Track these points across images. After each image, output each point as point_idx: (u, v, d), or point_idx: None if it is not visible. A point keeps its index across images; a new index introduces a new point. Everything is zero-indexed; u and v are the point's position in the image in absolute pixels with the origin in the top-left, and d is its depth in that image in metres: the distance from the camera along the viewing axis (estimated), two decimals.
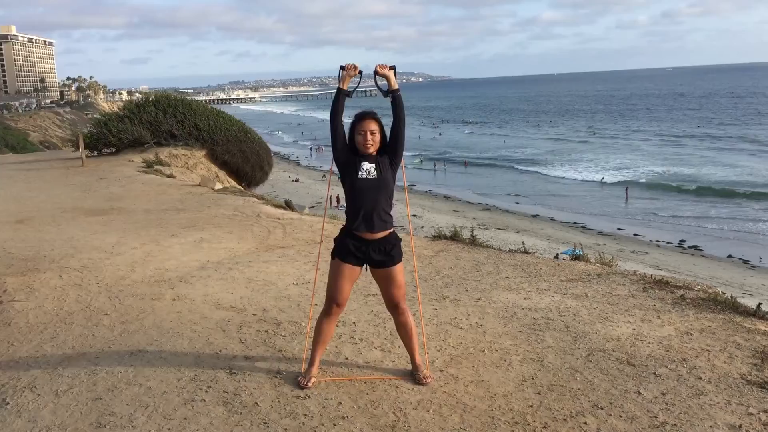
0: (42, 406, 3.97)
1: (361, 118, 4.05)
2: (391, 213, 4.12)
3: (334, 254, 4.11)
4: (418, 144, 69.74)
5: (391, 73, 4.09)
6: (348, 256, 4.05)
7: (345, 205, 4.22)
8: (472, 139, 76.41)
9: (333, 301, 4.06)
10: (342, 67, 4.12)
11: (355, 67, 4.10)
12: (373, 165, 4.00)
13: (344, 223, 4.18)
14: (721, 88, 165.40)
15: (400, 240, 4.16)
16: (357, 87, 4.25)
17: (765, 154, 53.41)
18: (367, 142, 3.99)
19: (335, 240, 4.16)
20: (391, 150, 4.08)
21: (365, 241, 4.03)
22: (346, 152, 4.07)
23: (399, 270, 4.10)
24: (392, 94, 4.07)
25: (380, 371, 4.34)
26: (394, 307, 4.14)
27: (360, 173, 3.98)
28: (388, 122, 4.09)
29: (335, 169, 4.15)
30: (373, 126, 4.02)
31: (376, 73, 4.11)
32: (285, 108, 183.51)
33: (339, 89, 4.10)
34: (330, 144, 4.16)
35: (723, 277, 21.93)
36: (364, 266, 4.14)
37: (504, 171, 51.15)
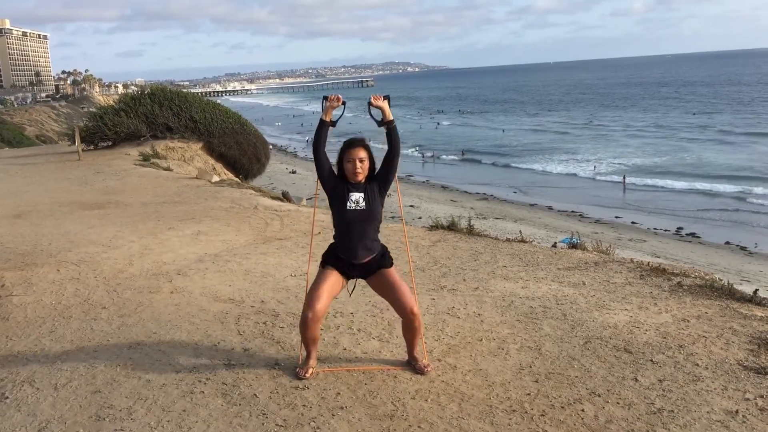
0: (41, 399, 3.98)
1: (350, 145, 4.02)
2: (378, 239, 4.15)
3: (322, 264, 4.14)
4: (418, 135, 69.67)
5: (385, 104, 4.05)
6: (335, 266, 4.08)
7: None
8: (469, 130, 76.26)
9: (308, 308, 3.95)
10: (325, 98, 4.10)
11: (338, 98, 4.08)
12: (362, 195, 3.99)
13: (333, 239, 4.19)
14: (719, 74, 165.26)
15: (386, 248, 4.18)
16: (340, 117, 4.21)
17: (763, 139, 53.38)
18: (356, 170, 3.98)
19: (324, 255, 4.17)
20: (382, 179, 4.07)
21: (351, 264, 4.08)
22: (334, 180, 4.06)
23: (393, 271, 4.12)
24: (387, 126, 4.05)
25: (378, 361, 4.35)
26: (409, 312, 4.03)
27: (348, 204, 3.97)
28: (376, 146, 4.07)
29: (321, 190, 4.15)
30: (362, 154, 4.00)
31: (370, 104, 4.07)
32: (281, 100, 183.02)
33: (322, 120, 4.07)
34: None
35: (720, 263, 21.96)
36: (353, 284, 4.21)
37: (501, 164, 51.04)
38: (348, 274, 4.11)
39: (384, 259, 4.13)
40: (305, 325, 3.99)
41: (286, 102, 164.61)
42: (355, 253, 4.04)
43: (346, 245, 4.05)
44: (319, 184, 4.14)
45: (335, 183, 4.05)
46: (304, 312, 3.99)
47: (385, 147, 4.07)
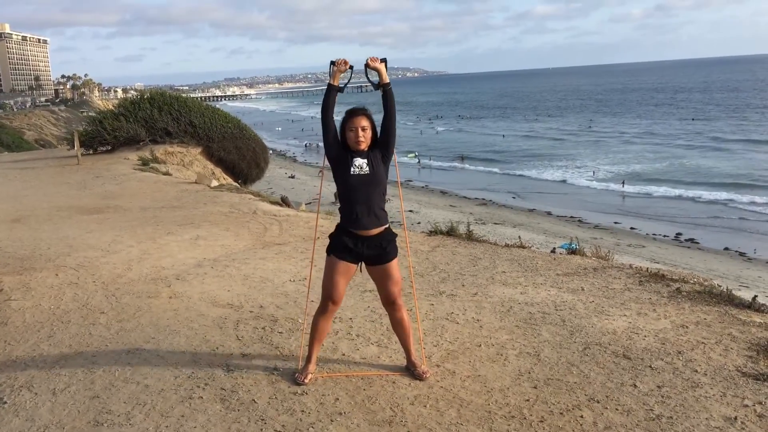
0: (39, 404, 3.97)
1: (351, 114, 4.04)
2: (385, 209, 4.11)
3: (329, 251, 4.10)
4: (418, 140, 69.73)
5: (382, 66, 4.06)
6: (343, 253, 4.03)
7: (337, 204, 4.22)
8: (468, 135, 76.33)
9: (328, 299, 4.03)
10: (332, 63, 4.09)
11: (346, 62, 4.08)
12: (365, 160, 3.98)
13: (339, 219, 4.18)
14: (716, 80, 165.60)
15: (396, 236, 4.15)
16: (348, 82, 4.22)
17: (762, 146, 53.42)
18: (359, 138, 3.98)
19: (330, 236, 4.14)
20: (382, 144, 4.06)
21: (360, 237, 4.01)
22: (337, 148, 4.05)
23: (394, 265, 4.09)
24: (383, 88, 4.05)
25: (377, 367, 4.35)
26: (390, 303, 4.12)
27: (352, 169, 3.96)
28: (379, 118, 4.08)
29: (328, 164, 4.14)
30: (364, 122, 4.00)
31: (367, 66, 4.09)
32: (279, 104, 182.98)
33: (330, 85, 4.07)
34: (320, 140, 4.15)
35: (719, 269, 21.97)
36: (360, 265, 4.12)
37: (500, 169, 51.00)
38: (355, 253, 4.03)
39: (390, 248, 4.07)
40: (324, 314, 4.03)
41: (284, 107, 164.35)
42: (362, 221, 3.98)
43: (352, 215, 4.00)
44: (323, 175, 4.14)
45: (338, 151, 4.04)
46: (323, 302, 4.01)
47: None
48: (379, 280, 4.13)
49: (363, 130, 4.00)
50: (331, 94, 4.07)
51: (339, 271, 4.04)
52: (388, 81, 4.06)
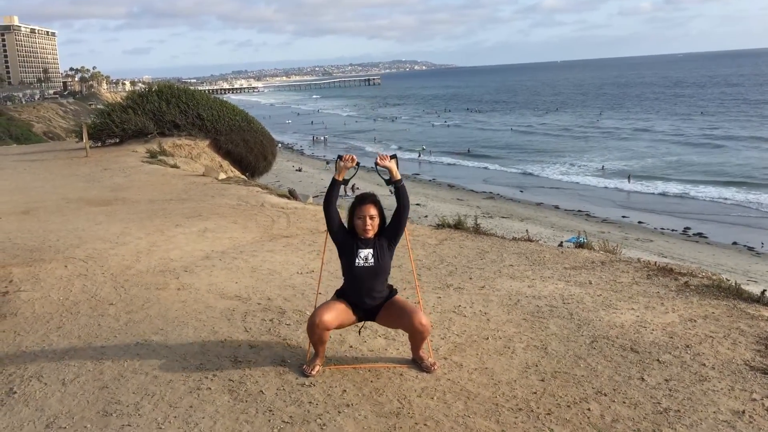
0: (49, 395, 4.00)
1: (360, 202, 4.09)
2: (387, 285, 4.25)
3: (335, 297, 4.25)
4: (427, 133, 69.70)
5: (392, 164, 4.11)
6: (348, 302, 4.18)
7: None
8: (477, 128, 76.13)
9: (315, 315, 3.98)
10: (339, 157, 4.15)
11: (353, 159, 4.14)
12: (371, 251, 4.06)
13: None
14: (725, 74, 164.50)
15: (392, 288, 4.28)
16: (353, 176, 4.28)
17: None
18: (366, 227, 4.05)
19: (336, 292, 4.29)
20: (391, 235, 4.14)
21: (361, 308, 4.18)
22: (344, 235, 4.14)
23: (398, 298, 4.21)
24: (395, 185, 4.10)
25: (384, 359, 4.36)
26: (417, 324, 3.99)
27: (357, 261, 4.05)
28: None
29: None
30: (373, 211, 4.06)
31: (377, 164, 4.12)
32: (288, 98, 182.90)
33: (334, 179, 4.13)
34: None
35: (728, 264, 21.88)
36: (362, 324, 4.38)
37: (508, 163, 50.81)
38: (357, 312, 4.20)
39: (389, 296, 4.22)
40: (311, 329, 4.03)
41: (292, 100, 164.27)
42: (363, 302, 4.16)
43: (353, 295, 4.16)
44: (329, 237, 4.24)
45: (345, 238, 4.13)
46: (311, 317, 4.03)
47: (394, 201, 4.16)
48: (395, 318, 4.13)
49: (371, 218, 4.06)
50: (335, 187, 4.13)
51: (339, 309, 4.10)
52: (399, 178, 4.11)
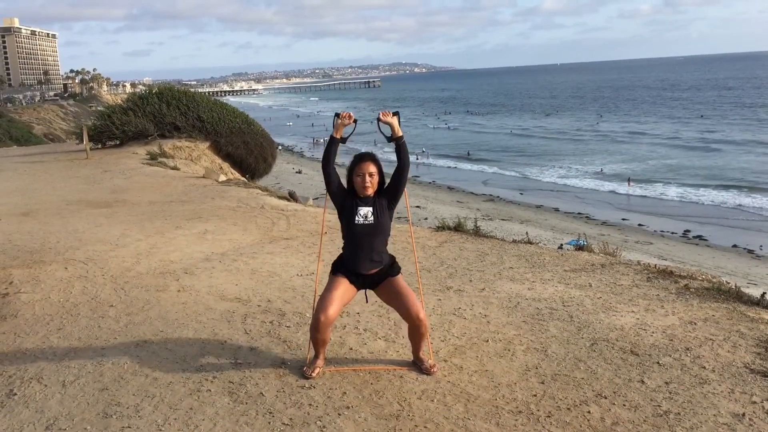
0: (49, 396, 4.00)
1: (359, 159, 4.07)
2: (387, 250, 4.20)
3: (332, 272, 4.18)
4: (426, 135, 69.74)
5: (394, 120, 4.09)
6: (345, 276, 4.12)
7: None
8: (476, 131, 76.15)
9: (320, 312, 3.98)
10: (337, 115, 4.13)
11: (350, 116, 4.11)
12: (370, 209, 4.03)
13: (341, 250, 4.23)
14: (726, 78, 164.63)
15: (395, 260, 4.24)
16: (351, 134, 4.23)
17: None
18: (366, 184, 4.02)
19: (333, 264, 4.21)
20: (391, 194, 4.11)
21: (360, 275, 4.12)
22: (342, 194, 4.11)
23: (399, 278, 4.16)
24: (396, 141, 4.08)
25: (384, 361, 4.36)
26: (415, 318, 4.04)
27: (356, 218, 4.02)
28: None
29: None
30: (372, 168, 4.04)
31: (379, 120, 4.11)
32: (288, 100, 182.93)
33: (332, 137, 4.11)
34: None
35: (728, 266, 21.88)
36: (365, 296, 4.27)
37: (508, 166, 50.78)
38: (356, 283, 4.15)
39: (392, 268, 4.18)
40: (316, 328, 4.01)
41: (292, 102, 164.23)
42: (363, 265, 4.09)
43: (353, 258, 4.10)
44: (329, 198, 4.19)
45: (344, 197, 4.10)
46: (315, 315, 4.01)
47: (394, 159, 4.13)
48: (392, 298, 4.13)
49: (370, 176, 4.03)
50: (333, 145, 4.10)
51: (338, 289, 4.06)
52: (401, 134, 4.09)
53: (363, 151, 4.18)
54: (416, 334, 4.12)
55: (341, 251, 4.21)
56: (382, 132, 4.19)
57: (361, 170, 4.03)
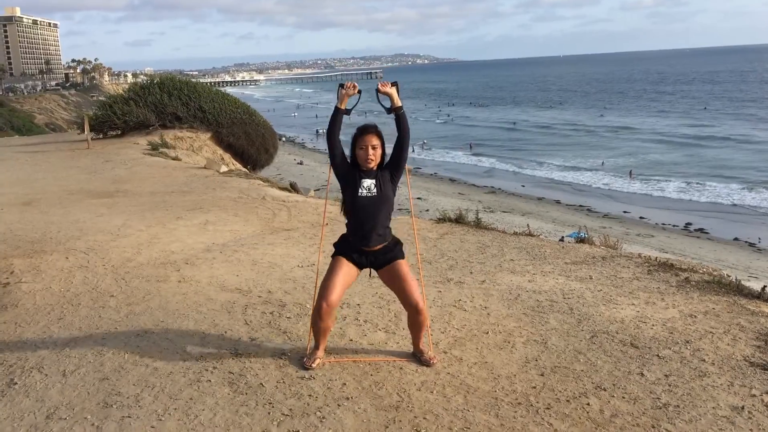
0: (49, 386, 4.01)
1: (362, 132, 4.04)
2: (390, 224, 4.16)
3: (334, 255, 4.16)
4: (428, 127, 69.65)
5: (393, 91, 4.06)
6: (347, 256, 4.10)
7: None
8: (479, 123, 76.01)
9: (322, 299, 3.98)
10: (341, 85, 4.10)
11: (354, 86, 4.08)
12: (373, 181, 4.01)
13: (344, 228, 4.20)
14: (727, 70, 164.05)
15: (401, 242, 4.21)
16: (356, 105, 4.20)
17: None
18: (369, 157, 4.00)
19: (335, 245, 4.20)
20: (393, 166, 4.09)
21: (364, 252, 4.10)
22: (346, 167, 4.08)
23: (404, 264, 4.12)
24: (396, 112, 4.05)
25: (384, 353, 4.36)
26: (414, 307, 4.04)
27: (360, 191, 4.00)
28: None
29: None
30: (375, 141, 4.02)
31: (378, 91, 4.08)
32: (289, 91, 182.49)
33: (337, 107, 4.08)
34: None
35: (729, 259, 21.89)
36: (368, 273, 4.20)
37: (510, 157, 50.70)
38: (359, 262, 4.12)
39: (396, 250, 4.14)
40: (319, 315, 4.00)
41: (295, 93, 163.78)
42: (368, 239, 4.05)
43: (358, 232, 4.06)
44: (332, 171, 4.15)
45: (347, 170, 4.07)
46: (318, 302, 4.00)
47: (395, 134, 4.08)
48: (394, 282, 4.11)
49: (373, 148, 4.01)
50: (337, 116, 4.07)
51: (340, 272, 4.04)
52: (400, 105, 4.06)
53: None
54: (415, 323, 4.12)
55: (343, 232, 4.19)
56: (381, 103, 4.16)
57: (363, 143, 4.01)
